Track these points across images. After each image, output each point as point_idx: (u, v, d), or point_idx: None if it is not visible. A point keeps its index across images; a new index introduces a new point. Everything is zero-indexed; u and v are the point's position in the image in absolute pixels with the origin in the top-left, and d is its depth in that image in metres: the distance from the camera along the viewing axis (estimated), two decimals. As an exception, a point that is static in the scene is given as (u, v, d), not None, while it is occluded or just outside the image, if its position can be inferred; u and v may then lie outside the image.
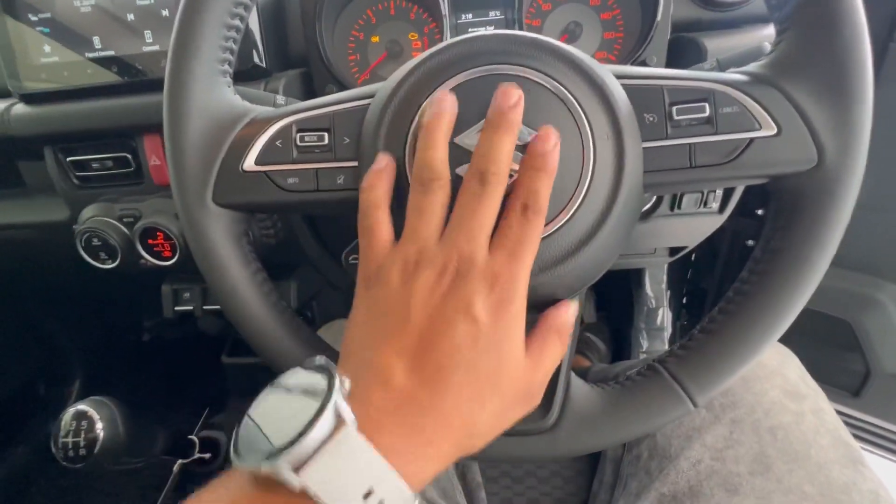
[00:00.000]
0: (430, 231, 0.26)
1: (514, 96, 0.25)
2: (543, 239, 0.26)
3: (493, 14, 0.51)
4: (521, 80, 0.26)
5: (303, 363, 0.24)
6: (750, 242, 0.76)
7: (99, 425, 0.58)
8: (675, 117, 0.27)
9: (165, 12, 0.47)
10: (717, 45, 0.47)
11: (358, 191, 0.29)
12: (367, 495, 0.21)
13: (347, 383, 0.23)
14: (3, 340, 0.86)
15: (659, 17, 0.46)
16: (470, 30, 0.52)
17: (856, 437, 0.38)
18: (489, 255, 0.25)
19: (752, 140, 0.26)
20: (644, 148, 0.27)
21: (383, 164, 0.27)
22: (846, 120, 0.25)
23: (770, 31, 0.49)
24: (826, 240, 0.26)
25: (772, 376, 0.40)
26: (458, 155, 0.26)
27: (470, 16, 0.52)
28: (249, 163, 0.29)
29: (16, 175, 0.60)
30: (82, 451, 0.56)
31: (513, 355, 0.25)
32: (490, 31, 0.28)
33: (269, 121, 0.29)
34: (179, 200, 0.29)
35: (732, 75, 0.27)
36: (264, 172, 0.29)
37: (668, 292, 0.86)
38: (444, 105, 0.26)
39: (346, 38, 0.53)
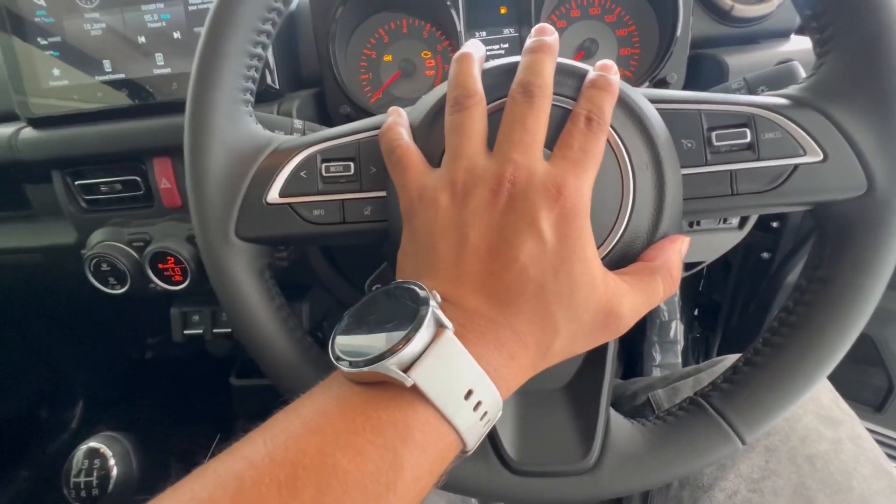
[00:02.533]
0: (474, 147, 0.24)
1: (550, 28, 0.26)
2: None
3: (508, 31, 0.51)
4: (555, 109, 0.25)
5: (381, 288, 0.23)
6: (764, 255, 0.75)
7: (112, 462, 0.56)
8: (715, 143, 0.26)
9: (177, 34, 0.46)
10: (738, 61, 0.46)
11: (385, 222, 0.28)
12: (468, 395, 0.21)
13: (438, 296, 0.22)
14: (5, 363, 0.84)
15: (679, 32, 0.45)
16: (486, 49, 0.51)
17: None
18: (549, 167, 0.23)
19: (796, 166, 0.25)
20: (683, 175, 0.26)
21: (394, 114, 0.28)
22: None
23: (790, 46, 0.48)
24: (878, 269, 0.25)
25: (804, 400, 0.38)
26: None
27: (484, 33, 0.51)
28: (273, 195, 0.28)
29: (22, 198, 0.58)
30: (95, 491, 0.54)
31: (586, 276, 0.23)
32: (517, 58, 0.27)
33: (293, 151, 0.28)
34: (201, 235, 0.28)
35: (772, 99, 0.27)
36: (289, 204, 0.28)
37: (681, 304, 0.85)
38: (473, 43, 0.27)
39: (359, 57, 0.52)
